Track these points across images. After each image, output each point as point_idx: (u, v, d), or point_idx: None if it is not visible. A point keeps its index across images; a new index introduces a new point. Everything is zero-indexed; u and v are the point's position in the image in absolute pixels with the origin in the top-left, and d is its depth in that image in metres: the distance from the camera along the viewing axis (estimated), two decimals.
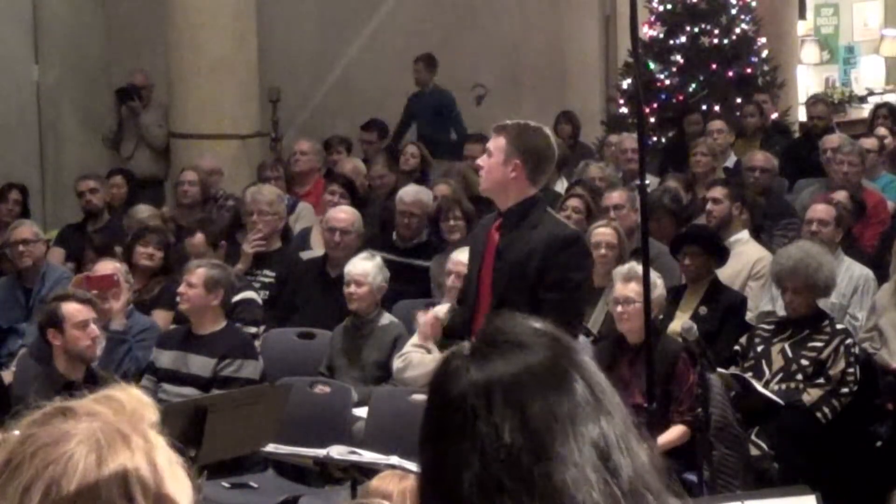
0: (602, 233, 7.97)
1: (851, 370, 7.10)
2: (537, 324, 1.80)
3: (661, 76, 13.78)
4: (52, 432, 1.62)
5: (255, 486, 6.84)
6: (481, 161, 5.65)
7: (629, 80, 13.62)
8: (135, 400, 1.69)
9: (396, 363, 7.32)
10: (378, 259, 7.77)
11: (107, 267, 7.81)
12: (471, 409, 1.72)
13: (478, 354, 1.76)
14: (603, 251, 7.77)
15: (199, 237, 8.72)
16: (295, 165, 11.22)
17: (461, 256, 6.89)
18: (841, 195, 9.12)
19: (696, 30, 13.77)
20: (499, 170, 5.48)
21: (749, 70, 13.91)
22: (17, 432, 1.67)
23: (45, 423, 1.64)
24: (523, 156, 5.47)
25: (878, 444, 7.25)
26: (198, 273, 7.27)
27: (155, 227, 8.99)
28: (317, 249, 9.23)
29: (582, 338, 7.01)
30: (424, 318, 6.37)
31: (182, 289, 7.31)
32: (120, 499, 1.59)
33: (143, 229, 8.77)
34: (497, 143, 5.53)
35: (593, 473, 1.68)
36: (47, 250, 9.21)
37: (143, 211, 9.67)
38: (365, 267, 7.59)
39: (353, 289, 7.56)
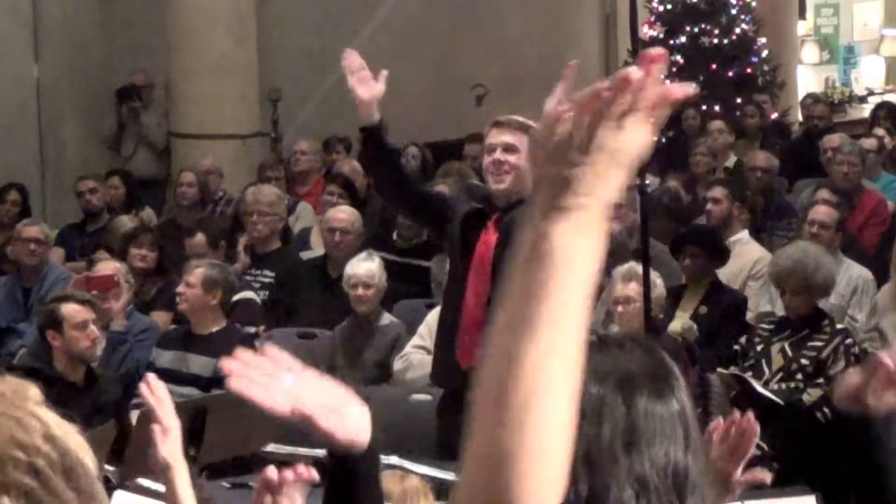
0: None
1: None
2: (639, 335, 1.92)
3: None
4: None
5: (255, 486, 6.83)
6: (510, 158, 5.48)
7: None
8: (12, 384, 1.70)
9: (397, 364, 7.32)
10: (378, 259, 7.77)
11: (107, 267, 7.81)
12: (583, 388, 1.77)
13: (599, 343, 1.84)
14: None
15: (199, 237, 8.72)
16: (295, 165, 11.23)
17: None
18: (825, 193, 9.04)
19: (696, 30, 13.79)
20: (526, 168, 5.38)
21: (749, 70, 13.93)
22: None
23: None
24: None
25: None
26: (196, 273, 7.27)
27: (148, 227, 8.99)
28: (317, 249, 9.23)
29: None
30: None
31: (181, 289, 7.32)
32: (32, 481, 1.60)
33: (136, 228, 8.76)
34: (523, 142, 5.43)
35: (661, 483, 1.77)
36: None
37: (125, 223, 9.51)
38: (370, 268, 7.58)
39: (361, 291, 7.54)
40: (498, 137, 5.53)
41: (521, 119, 5.56)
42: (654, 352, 1.85)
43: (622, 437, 1.75)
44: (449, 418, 5.63)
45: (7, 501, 1.59)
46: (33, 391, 1.70)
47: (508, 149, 5.48)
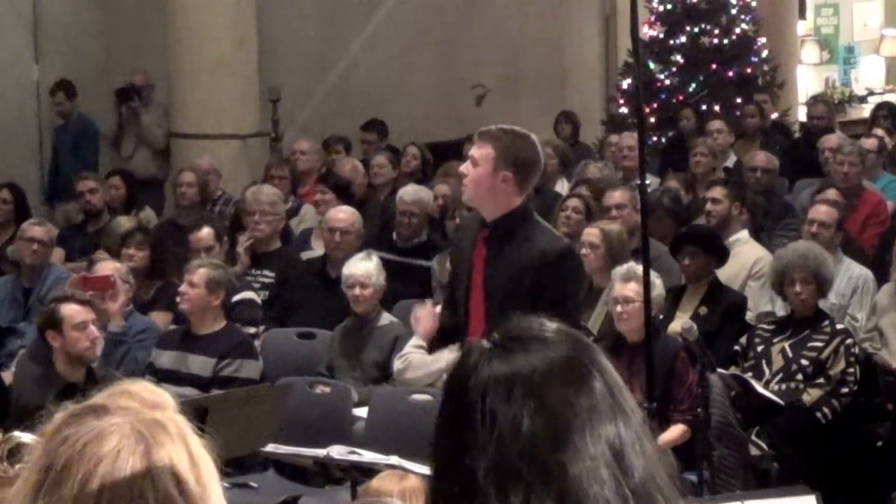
0: (587, 233, 7.95)
1: (851, 370, 7.10)
2: (557, 324, 1.84)
3: (661, 76, 13.79)
4: (91, 430, 1.65)
5: (255, 486, 6.84)
6: (465, 169, 5.42)
7: (629, 80, 13.63)
8: (150, 390, 1.75)
9: (397, 364, 7.32)
10: (376, 258, 7.77)
11: (107, 267, 7.80)
12: (490, 399, 1.74)
13: (500, 348, 1.79)
14: (584, 251, 7.69)
15: (206, 231, 8.62)
16: (295, 165, 11.22)
17: None
18: (831, 193, 9.08)
19: (696, 30, 13.79)
20: (486, 180, 5.29)
21: (749, 70, 13.93)
22: (35, 437, 1.69)
23: (78, 423, 1.66)
24: (514, 167, 5.30)
25: (879, 444, 7.25)
26: (199, 273, 7.25)
27: (140, 227, 8.97)
28: (317, 249, 9.22)
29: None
30: (423, 310, 6.30)
31: (183, 288, 7.30)
32: (173, 484, 1.66)
33: (129, 229, 8.75)
34: (484, 152, 5.33)
35: (606, 471, 1.71)
36: None
37: (123, 223, 9.49)
38: (367, 268, 7.58)
39: (357, 291, 7.54)
40: (471, 149, 5.54)
41: (500, 128, 5.44)
42: (565, 340, 1.80)
43: (546, 438, 1.71)
44: None
45: None
46: (168, 399, 1.76)
47: (471, 161, 5.43)
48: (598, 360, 1.79)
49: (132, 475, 1.63)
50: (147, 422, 1.69)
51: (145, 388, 1.75)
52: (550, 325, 1.83)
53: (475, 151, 5.40)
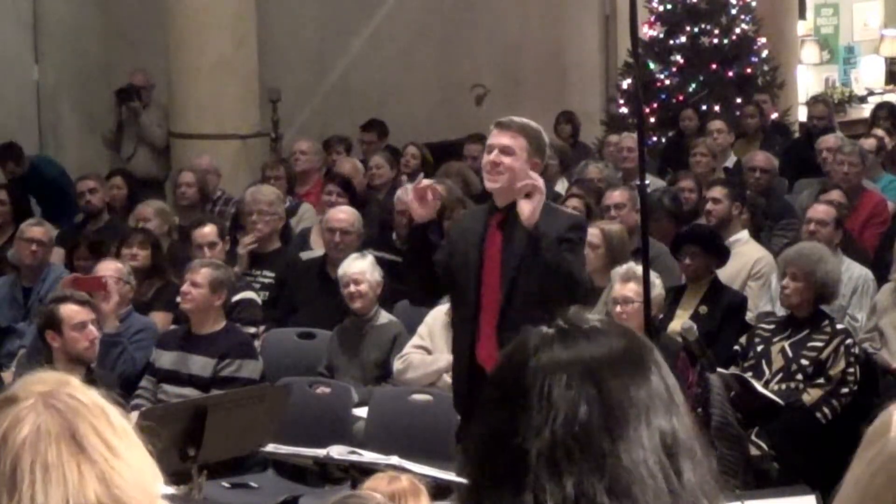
0: (587, 233, 7.94)
1: (851, 370, 7.10)
2: (613, 320, 1.90)
3: (661, 76, 13.79)
4: (6, 418, 1.71)
5: (255, 486, 6.84)
6: (505, 159, 5.59)
7: (629, 80, 13.63)
8: (55, 374, 1.81)
9: (397, 364, 7.32)
10: (370, 257, 7.77)
11: (108, 267, 7.77)
12: (549, 383, 1.76)
13: (562, 335, 1.81)
14: (585, 251, 7.67)
15: (209, 227, 8.58)
16: (295, 165, 11.23)
17: None
18: (835, 194, 9.10)
19: (696, 30, 13.79)
20: (522, 170, 5.54)
21: (749, 70, 13.93)
22: None
23: None
24: (542, 157, 5.70)
25: None
26: (202, 273, 7.23)
27: (139, 227, 8.97)
28: (316, 249, 9.22)
29: None
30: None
31: (186, 288, 7.26)
32: (106, 450, 1.71)
33: (131, 230, 8.75)
34: (520, 143, 5.59)
35: (657, 465, 1.74)
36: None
37: (150, 206, 9.54)
38: (360, 265, 7.59)
39: (352, 288, 7.56)
40: (497, 139, 5.66)
41: (522, 121, 5.71)
42: (625, 333, 1.83)
43: (602, 424, 1.73)
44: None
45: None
46: (72, 377, 1.80)
47: (505, 151, 5.60)
48: (655, 356, 1.83)
49: (56, 450, 1.67)
50: (60, 396, 1.73)
51: (48, 373, 1.80)
52: (608, 320, 1.87)
53: (509, 141, 5.61)
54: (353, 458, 5.65)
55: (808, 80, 17.19)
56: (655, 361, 1.81)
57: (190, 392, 6.93)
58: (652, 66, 13.72)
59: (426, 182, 5.76)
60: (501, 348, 5.48)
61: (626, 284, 6.87)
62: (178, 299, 7.47)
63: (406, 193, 6.66)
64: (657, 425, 1.75)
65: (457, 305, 5.88)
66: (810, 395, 7.04)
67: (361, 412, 7.12)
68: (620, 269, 7.04)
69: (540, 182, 5.50)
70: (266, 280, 8.69)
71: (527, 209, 5.43)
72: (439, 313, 7.29)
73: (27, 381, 1.77)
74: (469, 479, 1.82)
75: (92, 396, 1.77)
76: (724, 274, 8.04)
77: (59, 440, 1.68)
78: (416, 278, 5.97)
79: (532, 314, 5.26)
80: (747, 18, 14.03)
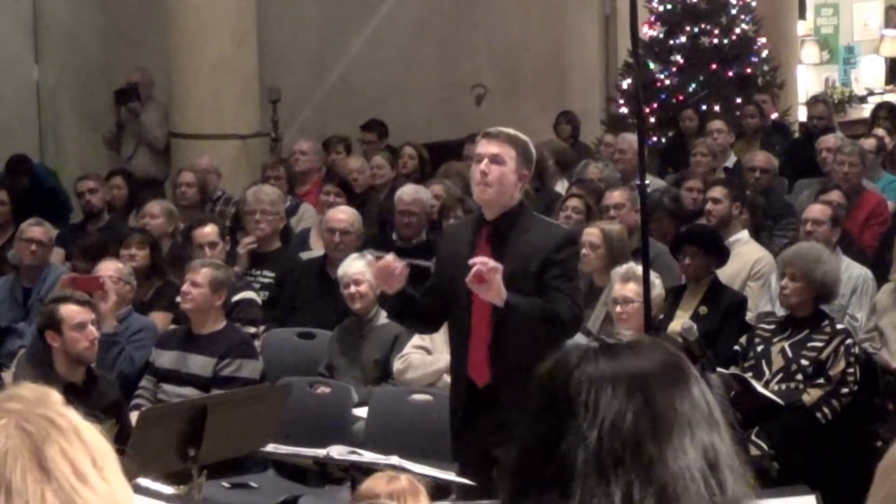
0: (587, 233, 7.95)
1: (851, 370, 7.10)
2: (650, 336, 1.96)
3: (661, 76, 13.79)
4: None
5: (255, 486, 6.84)
6: (493, 168, 5.55)
7: (629, 80, 13.63)
8: (33, 389, 1.75)
9: (397, 365, 7.32)
10: (369, 256, 7.77)
11: (108, 267, 7.78)
12: (595, 392, 1.82)
13: (606, 348, 1.88)
14: (584, 251, 7.70)
15: (210, 227, 8.58)
16: (295, 165, 11.23)
17: None
18: (834, 194, 9.10)
19: (696, 30, 13.79)
20: (511, 179, 5.54)
21: (749, 70, 13.93)
22: None
23: None
24: (529, 169, 5.66)
25: (879, 444, 7.25)
26: (203, 273, 7.23)
27: (137, 228, 8.97)
28: (316, 250, 9.22)
29: (581, 337, 7.01)
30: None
31: (186, 288, 7.25)
32: (73, 476, 1.66)
33: (130, 230, 8.75)
34: (510, 153, 5.57)
35: (700, 475, 1.80)
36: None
37: (158, 204, 9.55)
38: (360, 266, 7.59)
39: (352, 289, 7.56)
40: (486, 148, 5.65)
41: (510, 131, 5.69)
42: (665, 348, 1.90)
43: (649, 432, 1.78)
44: (463, 437, 5.64)
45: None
46: (53, 394, 1.75)
47: (494, 159, 5.59)
48: (694, 371, 1.89)
49: (21, 475, 1.64)
50: (32, 418, 1.69)
51: (29, 387, 1.75)
52: (647, 337, 1.96)
53: (499, 150, 5.59)
54: (353, 458, 5.65)
55: (808, 80, 17.19)
56: (696, 377, 1.88)
57: (190, 392, 6.93)
58: (652, 66, 13.72)
59: (387, 259, 5.64)
60: (495, 369, 5.50)
61: (626, 284, 6.87)
62: (178, 299, 7.47)
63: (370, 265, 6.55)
64: (700, 437, 1.81)
65: (451, 326, 5.84)
66: (810, 396, 7.04)
67: (361, 412, 7.12)
68: (620, 269, 7.04)
69: (489, 265, 5.29)
70: (266, 280, 8.69)
71: (488, 297, 5.36)
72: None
73: (5, 398, 1.73)
74: (512, 488, 1.87)
75: (69, 417, 1.72)
76: (724, 274, 8.04)
77: (25, 465, 1.64)
78: (411, 326, 6.09)
79: (526, 336, 5.28)
80: (747, 18, 14.03)
